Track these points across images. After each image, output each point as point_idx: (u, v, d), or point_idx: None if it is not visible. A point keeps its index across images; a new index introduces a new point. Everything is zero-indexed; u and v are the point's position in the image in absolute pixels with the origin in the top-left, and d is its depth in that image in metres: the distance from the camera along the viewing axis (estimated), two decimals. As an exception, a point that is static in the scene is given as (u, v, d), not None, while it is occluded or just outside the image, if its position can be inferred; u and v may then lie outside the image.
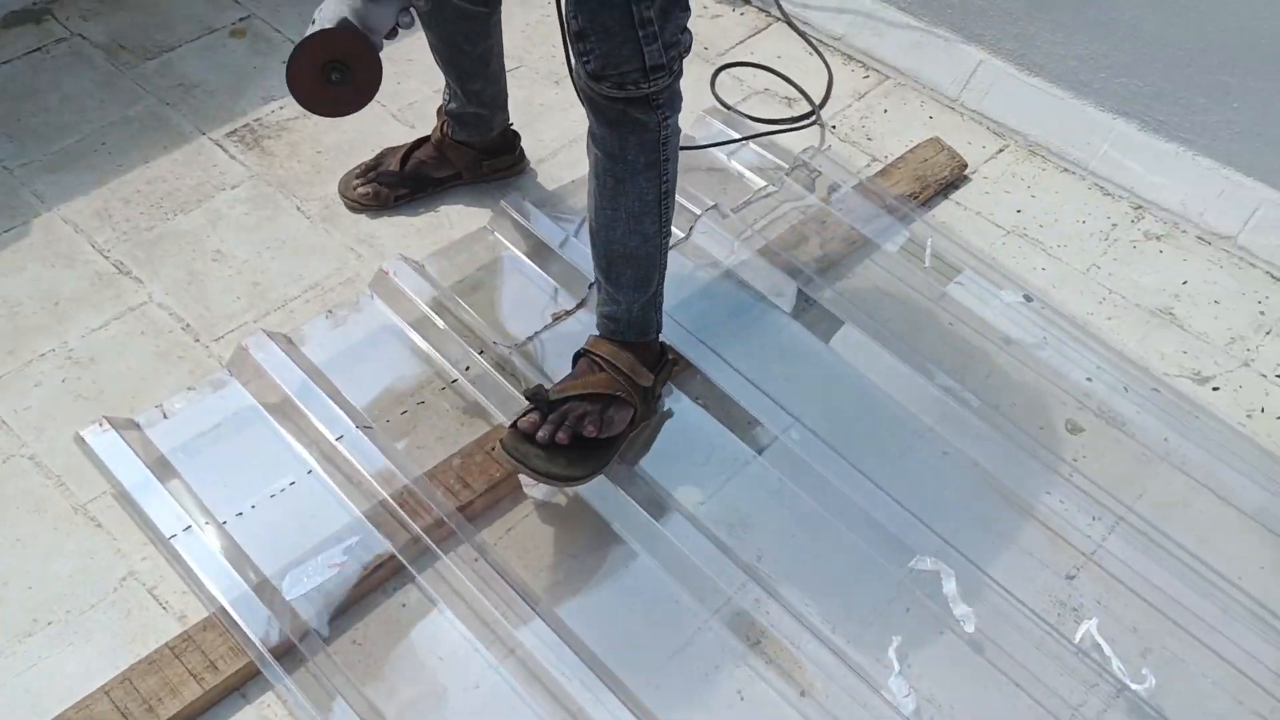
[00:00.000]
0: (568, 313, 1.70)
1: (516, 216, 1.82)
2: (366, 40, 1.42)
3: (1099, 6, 1.93)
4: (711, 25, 2.33)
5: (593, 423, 1.39)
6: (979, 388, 1.66)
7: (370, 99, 1.47)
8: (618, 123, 1.28)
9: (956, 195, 1.98)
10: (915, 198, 1.92)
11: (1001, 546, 1.49)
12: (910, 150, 2.00)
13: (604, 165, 1.33)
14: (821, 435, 1.58)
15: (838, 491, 1.52)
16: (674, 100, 1.30)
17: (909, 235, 1.87)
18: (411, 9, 1.47)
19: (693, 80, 2.15)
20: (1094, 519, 1.52)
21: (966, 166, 2.01)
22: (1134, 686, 1.35)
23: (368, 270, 1.75)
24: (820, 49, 2.26)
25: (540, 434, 1.37)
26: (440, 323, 1.66)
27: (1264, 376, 1.71)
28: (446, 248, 1.80)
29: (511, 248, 1.81)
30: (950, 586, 1.42)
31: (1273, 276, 1.87)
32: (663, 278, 1.47)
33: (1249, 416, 1.66)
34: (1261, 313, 1.81)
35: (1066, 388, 1.68)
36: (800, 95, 2.16)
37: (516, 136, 1.92)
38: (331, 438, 1.49)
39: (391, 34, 1.47)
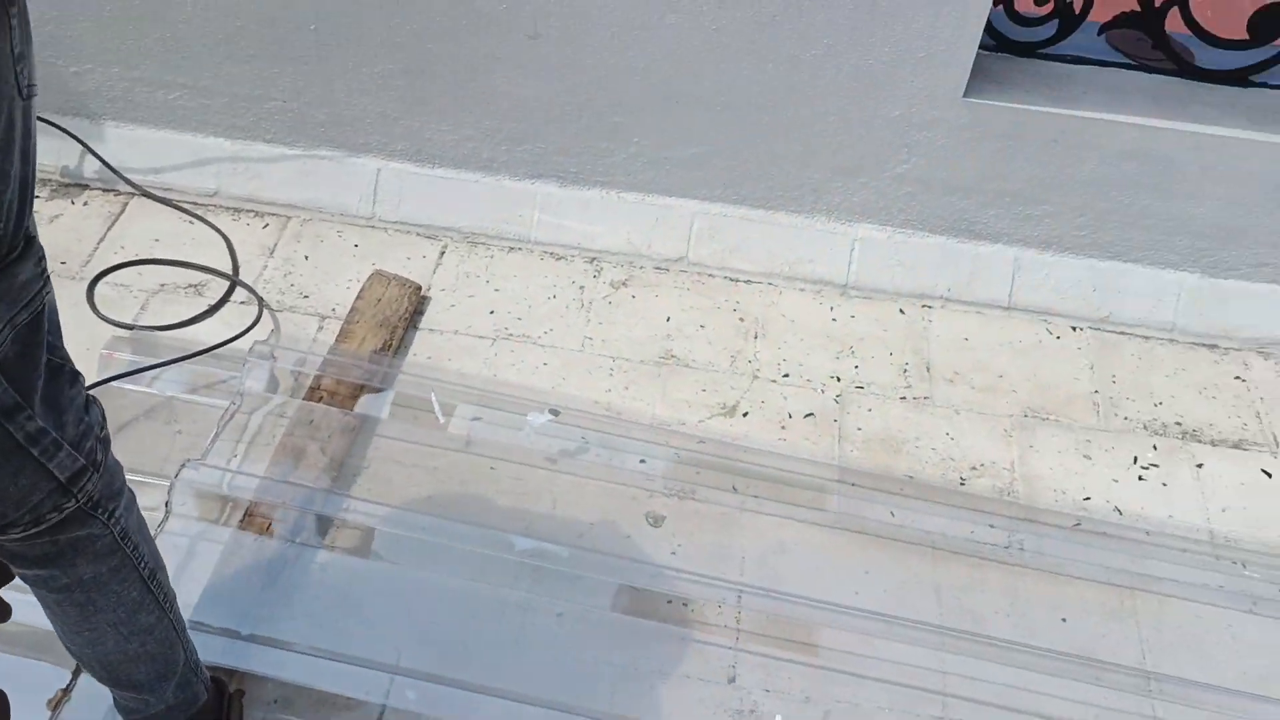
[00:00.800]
0: (66, 691, 1.31)
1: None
2: None
3: (471, 85, 1.84)
4: (54, 230, 1.91)
5: None
6: (552, 527, 1.55)
7: None
8: (50, 558, 0.94)
9: (425, 322, 1.83)
10: (388, 348, 1.73)
11: (660, 686, 1.40)
12: (359, 297, 1.80)
13: (54, 599, 0.98)
14: (432, 674, 1.38)
15: (482, 729, 1.34)
16: (113, 481, 0.96)
17: (404, 394, 1.69)
18: None
19: (69, 307, 1.75)
20: (720, 606, 1.49)
21: (421, 288, 1.85)
22: (839, 767, 1.35)
23: None
24: (200, 214, 1.95)
25: None
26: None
27: (774, 383, 1.79)
28: None
29: (-59, 642, 1.35)
30: (643, 771, 1.32)
31: (730, 280, 1.95)
32: (187, 641, 1.14)
33: (783, 428, 1.73)
34: (740, 319, 1.89)
35: (629, 481, 1.62)
36: (206, 274, 1.85)
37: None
38: None
39: None
